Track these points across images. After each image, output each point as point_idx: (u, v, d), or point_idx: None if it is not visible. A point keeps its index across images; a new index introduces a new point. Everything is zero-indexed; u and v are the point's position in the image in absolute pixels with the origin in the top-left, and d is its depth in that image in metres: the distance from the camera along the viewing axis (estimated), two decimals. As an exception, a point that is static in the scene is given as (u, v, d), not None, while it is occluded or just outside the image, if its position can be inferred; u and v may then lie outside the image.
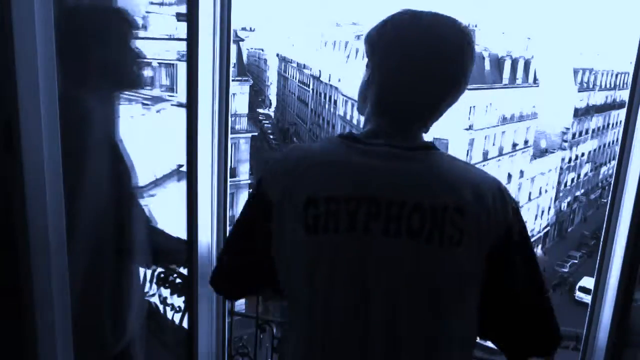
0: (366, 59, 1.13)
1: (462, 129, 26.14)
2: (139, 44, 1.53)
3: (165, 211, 1.88)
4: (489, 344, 1.13)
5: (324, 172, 1.05)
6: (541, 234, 33.80)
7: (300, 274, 1.07)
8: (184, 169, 1.61)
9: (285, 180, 1.06)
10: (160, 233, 1.82)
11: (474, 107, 26.52)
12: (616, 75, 39.31)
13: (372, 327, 1.02)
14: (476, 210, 0.99)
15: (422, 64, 1.04)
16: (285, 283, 1.11)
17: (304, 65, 45.24)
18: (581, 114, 36.08)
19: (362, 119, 1.15)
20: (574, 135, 35.90)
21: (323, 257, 1.03)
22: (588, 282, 23.25)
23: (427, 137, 1.12)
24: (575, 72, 35.03)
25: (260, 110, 54.22)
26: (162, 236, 1.81)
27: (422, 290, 1.01)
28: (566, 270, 29.73)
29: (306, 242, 1.03)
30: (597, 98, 37.89)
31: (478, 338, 1.11)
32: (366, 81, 1.12)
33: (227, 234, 1.67)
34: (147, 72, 1.64)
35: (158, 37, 1.55)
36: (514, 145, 30.91)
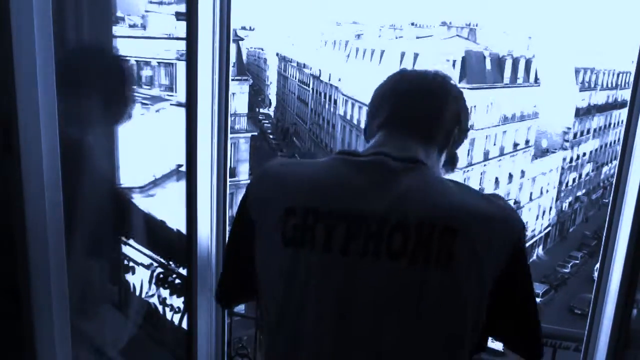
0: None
1: (463, 129, 26.09)
2: (137, 43, 1.52)
3: (165, 211, 1.88)
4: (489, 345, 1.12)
5: (304, 182, 1.03)
6: (542, 234, 33.80)
7: (274, 288, 1.04)
8: (183, 168, 1.61)
9: (266, 192, 1.05)
10: (160, 226, 1.81)
11: (474, 106, 26.50)
12: (617, 75, 39.28)
13: (349, 349, 0.98)
14: (473, 235, 0.94)
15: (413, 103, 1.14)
16: (261, 295, 1.07)
17: (304, 64, 45.24)
18: (582, 113, 36.06)
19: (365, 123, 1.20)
20: (575, 135, 35.88)
21: (298, 273, 0.99)
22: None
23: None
24: (577, 71, 35.00)
25: (260, 110, 54.25)
26: (163, 229, 1.80)
27: (403, 315, 0.96)
28: (567, 270, 29.72)
29: (282, 255, 1.00)
30: (599, 97, 37.87)
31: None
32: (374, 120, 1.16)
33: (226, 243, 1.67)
34: (147, 72, 1.64)
35: (157, 37, 1.55)
36: (515, 145, 30.91)
